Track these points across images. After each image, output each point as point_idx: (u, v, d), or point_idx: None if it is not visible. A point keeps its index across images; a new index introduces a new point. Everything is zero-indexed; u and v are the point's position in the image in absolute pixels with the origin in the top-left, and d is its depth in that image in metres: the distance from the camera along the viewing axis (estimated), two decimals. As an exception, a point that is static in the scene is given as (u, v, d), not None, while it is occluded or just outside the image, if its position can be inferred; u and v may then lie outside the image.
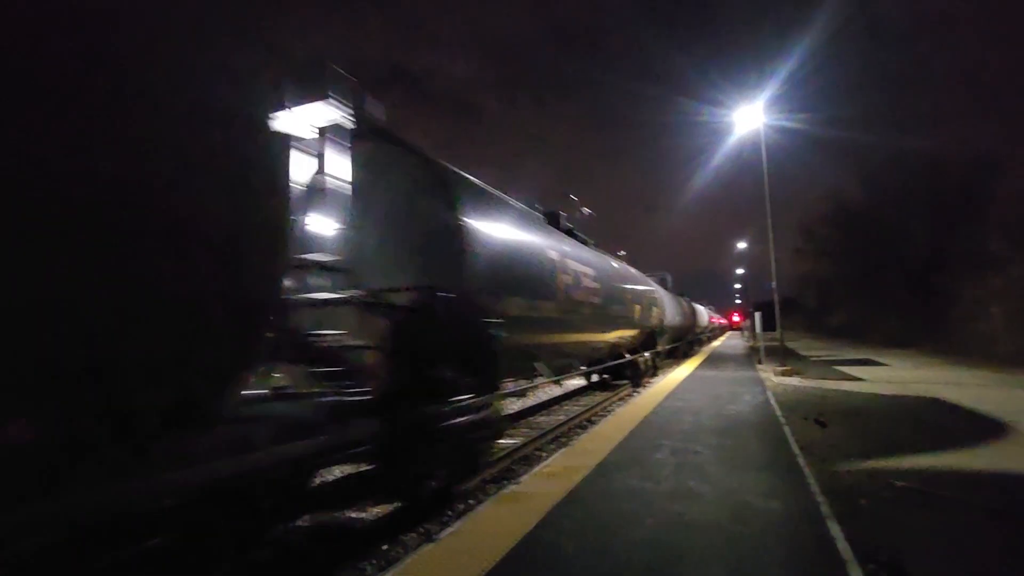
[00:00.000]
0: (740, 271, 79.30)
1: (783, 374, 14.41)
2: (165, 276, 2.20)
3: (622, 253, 14.69)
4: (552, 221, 8.70)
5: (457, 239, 5.00)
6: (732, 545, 3.25)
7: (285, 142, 3.39)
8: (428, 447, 4.38)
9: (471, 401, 4.90)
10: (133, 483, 2.25)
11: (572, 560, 3.11)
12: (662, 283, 20.14)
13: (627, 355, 12.49)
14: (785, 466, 5.09)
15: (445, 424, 4.55)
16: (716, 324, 61.03)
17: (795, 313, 51.47)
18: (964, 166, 27.99)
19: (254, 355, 2.85)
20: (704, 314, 40.28)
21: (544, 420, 9.98)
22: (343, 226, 4.20)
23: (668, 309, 17.68)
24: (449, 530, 3.63)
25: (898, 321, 29.16)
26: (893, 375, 14.02)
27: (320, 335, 3.87)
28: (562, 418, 9.77)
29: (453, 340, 4.87)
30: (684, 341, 25.06)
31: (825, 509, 3.86)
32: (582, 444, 6.18)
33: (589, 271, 8.84)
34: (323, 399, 3.53)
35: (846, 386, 11.99)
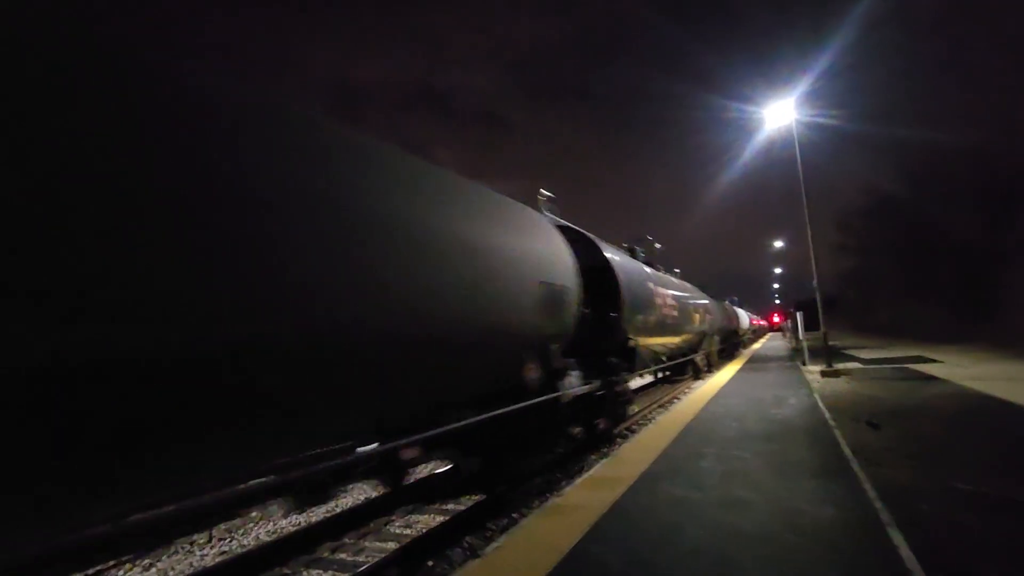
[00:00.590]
0: (778, 270, 77.42)
1: (829, 375, 13.93)
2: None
3: (677, 271, 17.11)
4: (631, 254, 11.01)
5: (613, 281, 7.78)
6: (787, 556, 3.13)
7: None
8: (606, 401, 7.58)
9: (624, 377, 8.15)
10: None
11: (621, 575, 3.05)
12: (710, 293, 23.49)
13: (688, 355, 15.70)
14: (838, 471, 4.89)
15: (614, 389, 7.70)
16: (756, 326, 59.56)
17: (838, 311, 49.85)
18: (1014, 153, 26.72)
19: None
20: (745, 317, 39.76)
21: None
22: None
23: (717, 315, 21.08)
24: (494, 544, 3.61)
25: (950, 316, 27.89)
26: (948, 372, 13.38)
27: None
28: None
29: (616, 341, 8.04)
30: (729, 343, 27.29)
31: (884, 516, 3.69)
32: (624, 453, 6.08)
33: (668, 291, 11.77)
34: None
35: (899, 385, 11.51)
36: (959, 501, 4.20)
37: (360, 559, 4.50)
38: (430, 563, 4.25)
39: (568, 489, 4.82)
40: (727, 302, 30.01)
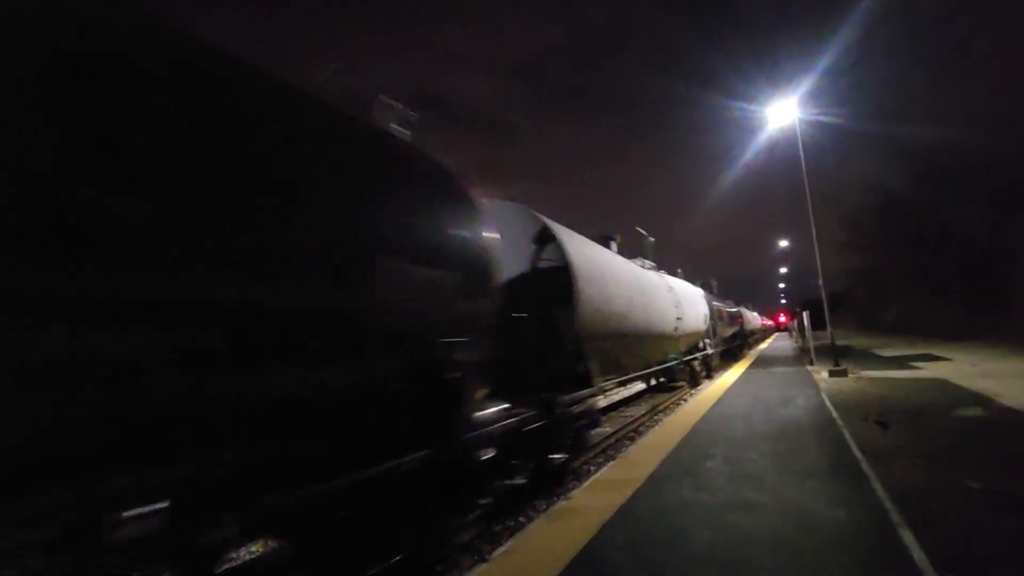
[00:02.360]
0: (783, 269, 76.93)
1: (836, 374, 13.85)
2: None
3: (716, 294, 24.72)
4: (702, 286, 19.60)
5: (712, 305, 17.84)
6: (798, 558, 3.11)
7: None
8: (710, 356, 17.01)
9: (717, 350, 18.68)
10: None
11: (629, 577, 3.04)
12: (736, 303, 31.27)
13: (731, 344, 25.41)
14: (847, 471, 4.86)
15: (714, 353, 17.72)
16: (762, 326, 59.40)
17: (845, 310, 49.54)
18: (1021, 149, 26.53)
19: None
20: (753, 318, 40.12)
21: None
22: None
23: (741, 319, 29.12)
24: (502, 549, 3.60)
25: (959, 314, 27.66)
26: (956, 370, 13.28)
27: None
28: (608, 430, 9.62)
29: (714, 331, 17.89)
30: (744, 341, 31.77)
31: (895, 516, 3.66)
32: (631, 456, 6.07)
33: (725, 309, 21.40)
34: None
35: (908, 384, 11.42)
36: (970, 500, 4.16)
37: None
38: (438, 568, 4.24)
39: (576, 492, 4.81)
40: (742, 307, 31.27)
